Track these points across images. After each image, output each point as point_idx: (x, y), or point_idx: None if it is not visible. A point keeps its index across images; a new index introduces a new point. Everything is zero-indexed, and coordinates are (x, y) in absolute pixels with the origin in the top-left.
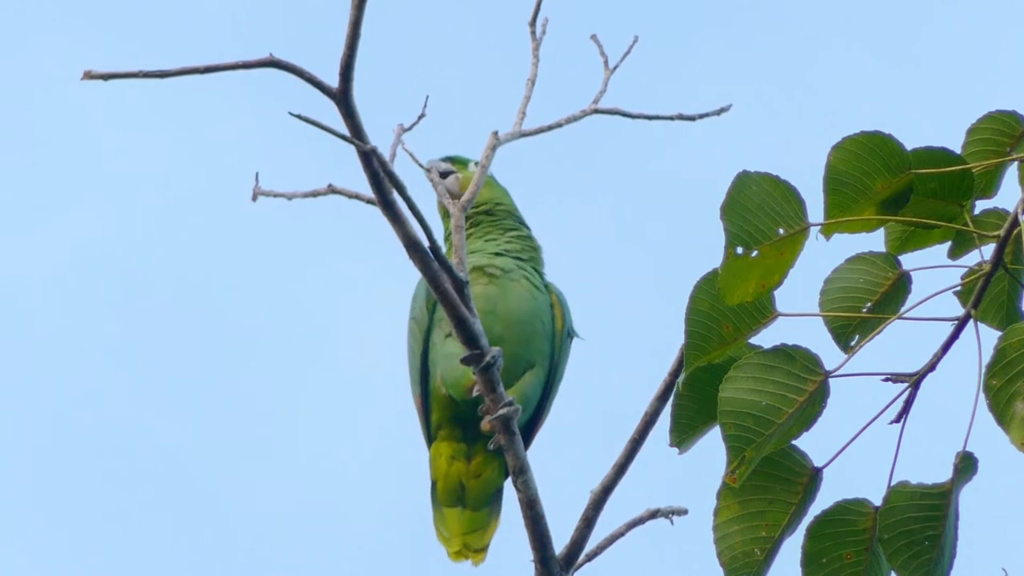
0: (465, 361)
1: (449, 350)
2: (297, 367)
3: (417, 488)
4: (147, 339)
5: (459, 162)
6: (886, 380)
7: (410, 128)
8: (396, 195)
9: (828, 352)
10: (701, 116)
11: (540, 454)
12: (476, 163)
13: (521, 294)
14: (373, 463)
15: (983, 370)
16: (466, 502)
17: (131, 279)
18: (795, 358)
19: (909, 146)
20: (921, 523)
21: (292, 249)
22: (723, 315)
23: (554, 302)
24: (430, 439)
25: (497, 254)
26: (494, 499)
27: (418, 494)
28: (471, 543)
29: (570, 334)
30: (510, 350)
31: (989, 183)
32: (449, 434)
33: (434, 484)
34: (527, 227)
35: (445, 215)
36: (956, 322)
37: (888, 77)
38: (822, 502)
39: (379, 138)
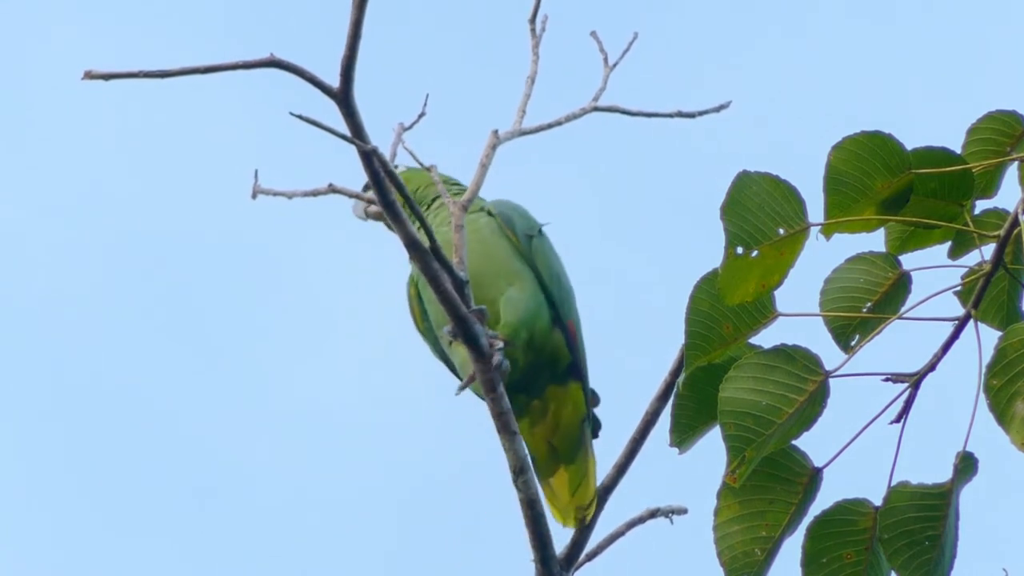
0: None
1: (459, 359)
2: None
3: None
4: (150, 321)
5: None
6: (886, 380)
7: (410, 127)
8: (396, 195)
9: (828, 352)
10: (701, 113)
11: None
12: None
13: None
14: (368, 448)
15: (983, 370)
16: (561, 456)
17: (125, 270)
18: (795, 358)
19: (909, 146)
20: (921, 523)
21: (291, 243)
22: (723, 315)
23: (499, 224)
24: None
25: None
26: (581, 437)
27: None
28: (581, 500)
29: (531, 235)
30: (483, 293)
31: (989, 183)
32: (521, 410)
33: (534, 461)
34: (450, 180)
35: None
36: (956, 322)
37: (888, 76)
38: (822, 502)
39: (379, 137)
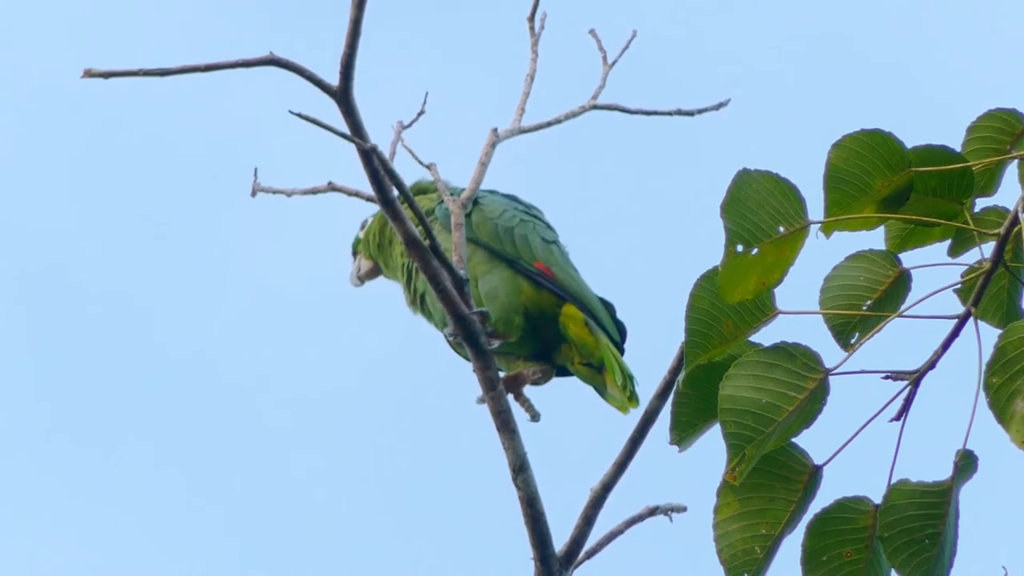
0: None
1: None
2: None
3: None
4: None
5: (357, 243)
6: (886, 378)
7: (409, 125)
8: (396, 193)
9: (828, 350)
10: (700, 111)
11: (540, 452)
12: (362, 227)
13: None
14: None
15: (983, 368)
16: (595, 362)
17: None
18: (795, 356)
19: (909, 144)
20: (921, 521)
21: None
22: (723, 313)
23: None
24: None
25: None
26: (596, 337)
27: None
28: (624, 382)
29: (468, 213)
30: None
31: (989, 181)
32: (563, 358)
33: (597, 390)
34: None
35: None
36: (956, 320)
37: (888, 74)
38: (822, 500)
39: (378, 135)
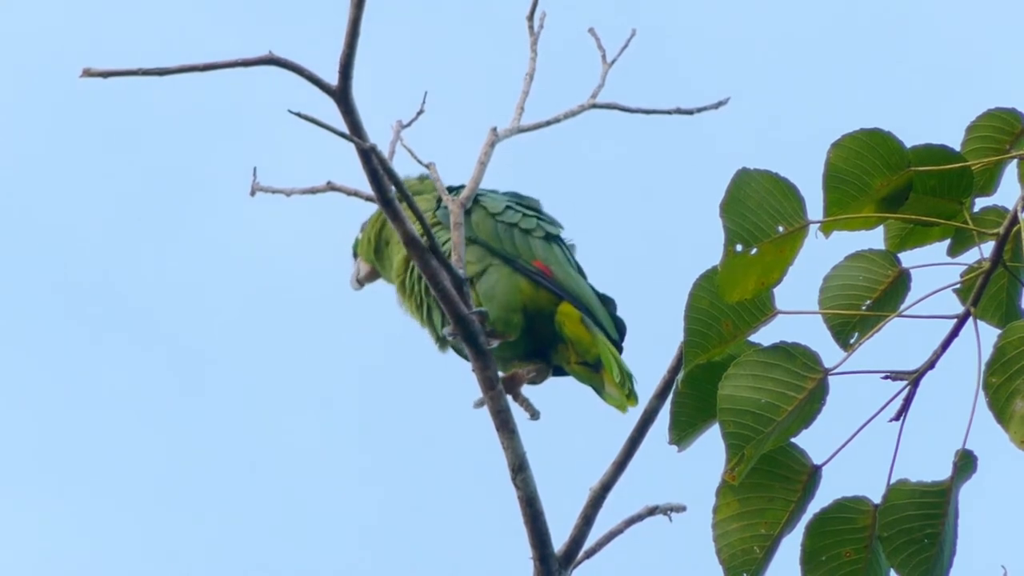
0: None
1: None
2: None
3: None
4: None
5: (356, 245)
6: (885, 378)
7: (408, 124)
8: (395, 192)
9: (827, 350)
10: (699, 110)
11: (539, 452)
12: (361, 229)
13: None
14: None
15: (982, 368)
16: (591, 360)
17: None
18: (794, 356)
19: (908, 144)
20: (920, 521)
21: (291, 237)
22: (722, 312)
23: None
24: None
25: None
26: (593, 334)
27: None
28: (622, 380)
29: (468, 211)
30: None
31: (988, 181)
32: (559, 358)
33: (595, 390)
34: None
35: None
36: (956, 320)
37: (888, 73)
38: (821, 500)
39: (378, 134)
